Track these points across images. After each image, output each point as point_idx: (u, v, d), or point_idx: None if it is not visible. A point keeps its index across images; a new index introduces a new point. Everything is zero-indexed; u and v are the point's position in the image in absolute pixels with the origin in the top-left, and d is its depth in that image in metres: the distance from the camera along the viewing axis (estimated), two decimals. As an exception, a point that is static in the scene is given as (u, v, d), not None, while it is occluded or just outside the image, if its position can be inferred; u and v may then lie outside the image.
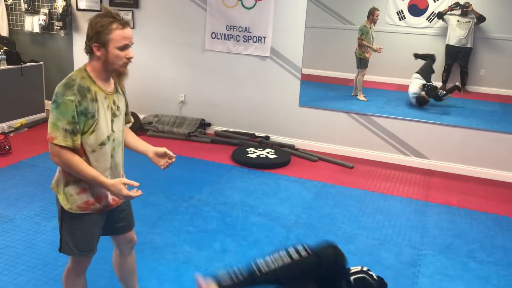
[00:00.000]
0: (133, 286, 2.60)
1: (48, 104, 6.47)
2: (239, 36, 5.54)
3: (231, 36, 5.58)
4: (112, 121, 2.10)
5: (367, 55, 5.66)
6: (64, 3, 6.13)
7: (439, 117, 5.42)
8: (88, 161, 2.02)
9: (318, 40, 5.74)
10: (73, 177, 2.03)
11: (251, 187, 4.37)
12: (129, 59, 2.01)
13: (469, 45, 5.53)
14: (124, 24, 1.97)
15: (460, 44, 5.56)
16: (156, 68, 6.09)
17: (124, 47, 1.98)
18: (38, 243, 3.25)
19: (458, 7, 5.41)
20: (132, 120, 2.39)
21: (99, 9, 6.09)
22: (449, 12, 5.48)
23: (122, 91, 2.21)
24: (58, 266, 2.99)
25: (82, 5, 6.19)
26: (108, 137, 2.07)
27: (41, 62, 6.22)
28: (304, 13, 5.26)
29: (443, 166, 5.11)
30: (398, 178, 4.86)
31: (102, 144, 2.05)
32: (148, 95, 6.20)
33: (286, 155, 5.16)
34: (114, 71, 2.05)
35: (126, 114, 2.29)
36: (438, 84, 5.76)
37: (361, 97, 5.68)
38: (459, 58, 5.61)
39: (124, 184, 2.03)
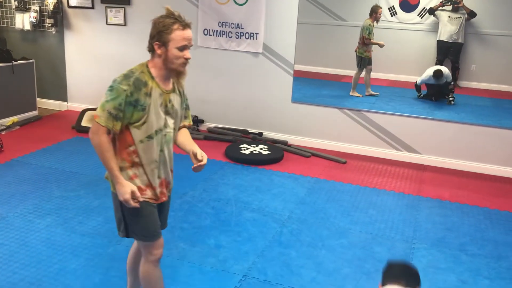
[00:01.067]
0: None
1: (40, 102, 6.45)
2: (231, 33, 5.54)
3: (223, 33, 5.58)
4: (165, 118, 2.15)
5: (369, 54, 5.66)
6: (55, 0, 6.10)
7: (431, 112, 5.46)
8: (136, 151, 2.10)
9: (310, 36, 5.76)
10: (125, 164, 2.12)
11: (245, 183, 4.39)
12: (187, 59, 2.09)
13: (460, 41, 5.57)
14: (185, 25, 2.06)
15: (451, 39, 5.60)
16: (149, 65, 6.06)
17: (183, 48, 2.06)
18: (32, 241, 3.24)
19: (449, 3, 5.45)
20: (190, 123, 2.44)
21: (90, 6, 6.08)
22: (440, 8, 5.52)
23: (180, 92, 2.27)
24: (53, 263, 2.99)
25: (73, 2, 6.16)
26: (157, 132, 2.12)
27: (33, 60, 6.18)
28: (296, 9, 5.26)
29: (435, 160, 5.15)
30: (391, 173, 4.89)
31: (150, 137, 2.11)
32: (141, 92, 6.17)
33: (279, 151, 5.18)
34: (173, 70, 2.12)
35: (186, 117, 2.38)
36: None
37: (368, 92, 5.72)
38: (451, 53, 5.65)
39: (133, 191, 2.08)
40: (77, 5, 6.15)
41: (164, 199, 2.29)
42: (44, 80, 6.55)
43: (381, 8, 5.56)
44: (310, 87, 6.00)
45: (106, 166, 2.08)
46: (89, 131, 2.07)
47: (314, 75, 6.12)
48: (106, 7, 6.01)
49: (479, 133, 4.98)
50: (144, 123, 2.07)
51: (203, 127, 5.93)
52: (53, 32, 6.31)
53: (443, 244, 3.50)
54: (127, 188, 2.07)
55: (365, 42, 5.63)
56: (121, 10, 5.96)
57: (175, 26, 2.03)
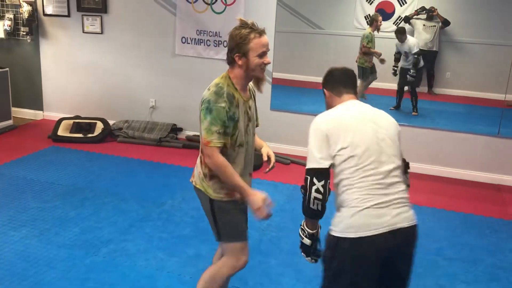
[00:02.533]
0: None
1: (15, 111, 6.33)
2: (210, 41, 5.54)
3: (201, 41, 5.58)
4: (247, 125, 2.26)
5: (370, 64, 5.70)
6: (30, 8, 6.01)
7: (407, 119, 5.53)
8: (227, 158, 2.17)
9: (288, 45, 5.79)
10: (212, 172, 2.20)
11: (224, 192, 4.37)
12: (266, 64, 2.17)
13: (435, 49, 5.67)
14: (261, 32, 2.14)
15: (426, 47, 5.69)
16: (126, 73, 6.03)
17: (263, 54, 2.14)
18: (6, 254, 3.17)
19: (424, 12, 5.54)
20: (258, 124, 2.53)
21: (66, 14, 6.01)
22: (415, 16, 5.61)
23: (254, 97, 2.37)
24: (27, 276, 2.93)
25: (49, 11, 6.09)
26: (245, 139, 2.25)
27: (7, 69, 6.07)
28: (274, 18, 5.30)
29: (411, 166, 5.19)
30: (369, 179, 4.93)
31: (240, 145, 2.22)
32: (118, 101, 6.13)
33: (258, 159, 5.15)
34: (254, 77, 2.20)
35: (256, 118, 2.47)
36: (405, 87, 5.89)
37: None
38: (426, 61, 5.75)
39: (264, 199, 2.14)
40: (53, 13, 6.08)
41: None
42: (19, 89, 6.44)
43: (380, 16, 5.61)
44: (289, 94, 6.03)
45: (231, 182, 2.15)
46: (205, 156, 2.16)
47: (293, 83, 6.15)
48: (82, 15, 5.96)
49: (454, 139, 5.07)
50: (234, 133, 2.17)
51: (182, 135, 5.90)
52: (28, 41, 6.22)
53: (420, 249, 3.51)
54: (258, 196, 2.13)
55: (363, 50, 5.67)
56: (98, 19, 5.91)
57: (252, 35, 2.11)
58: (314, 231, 2.06)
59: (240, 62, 2.14)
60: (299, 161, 5.24)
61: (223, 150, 2.16)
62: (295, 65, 6.12)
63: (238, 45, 2.11)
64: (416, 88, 5.68)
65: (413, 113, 5.60)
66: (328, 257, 1.95)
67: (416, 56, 5.51)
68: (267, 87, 5.48)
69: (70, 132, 5.68)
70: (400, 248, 1.91)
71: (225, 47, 5.49)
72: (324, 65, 6.36)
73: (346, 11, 5.80)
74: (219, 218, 2.27)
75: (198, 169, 2.30)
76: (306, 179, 1.94)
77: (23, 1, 6.03)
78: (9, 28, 6.14)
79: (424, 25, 5.61)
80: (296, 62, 6.11)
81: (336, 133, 1.92)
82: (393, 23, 5.73)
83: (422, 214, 4.13)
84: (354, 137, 1.92)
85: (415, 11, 5.59)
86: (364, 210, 1.85)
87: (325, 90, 2.18)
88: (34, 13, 6.09)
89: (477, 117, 5.72)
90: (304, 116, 5.44)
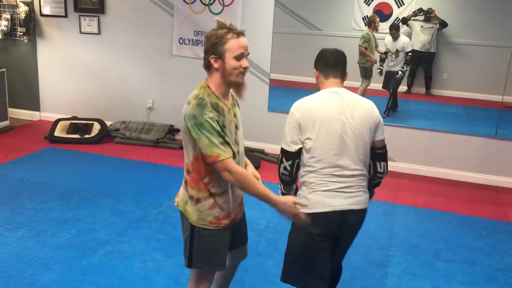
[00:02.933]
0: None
1: (11, 111, 6.31)
2: (207, 42, 5.52)
3: (199, 42, 5.57)
4: (236, 133, 2.11)
5: (370, 64, 5.70)
6: (27, 8, 5.99)
7: (404, 120, 5.54)
8: (217, 178, 2.03)
9: (286, 46, 5.79)
10: (203, 194, 2.06)
11: (221, 193, 4.36)
12: (245, 68, 2.01)
13: (432, 50, 5.68)
14: (239, 33, 1.99)
15: (424, 49, 5.70)
16: (123, 74, 6.02)
17: (240, 57, 1.98)
18: (2, 255, 3.15)
19: (422, 13, 5.55)
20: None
21: (64, 14, 5.99)
22: (413, 18, 5.62)
23: (238, 104, 2.21)
24: (23, 278, 2.91)
25: (46, 11, 6.07)
26: (235, 149, 2.06)
27: (4, 69, 6.05)
28: (272, 19, 5.30)
29: (409, 168, 5.22)
30: (366, 180, 4.93)
31: (233, 157, 2.03)
32: (115, 102, 6.11)
33: (256, 160, 5.17)
34: (232, 83, 2.03)
35: None
36: (404, 88, 5.88)
37: None
38: (423, 62, 5.76)
39: (295, 203, 2.04)
40: (50, 14, 6.06)
41: (239, 216, 2.25)
42: (16, 89, 6.41)
43: (377, 17, 5.62)
44: (287, 95, 6.02)
45: (256, 193, 2.00)
46: (222, 173, 1.96)
47: (291, 84, 6.15)
48: (79, 15, 5.94)
49: (452, 140, 5.07)
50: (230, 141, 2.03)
51: (179, 137, 5.89)
52: (25, 41, 6.20)
53: (418, 250, 3.54)
54: (289, 203, 2.02)
55: (359, 50, 5.68)
56: (95, 19, 5.89)
57: (229, 36, 1.96)
58: (286, 192, 2.31)
59: (216, 65, 1.98)
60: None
61: (207, 170, 2.01)
62: (293, 66, 6.12)
63: (214, 46, 1.97)
64: (396, 90, 5.66)
65: (384, 114, 5.58)
66: (291, 228, 2.31)
67: (410, 54, 5.51)
68: (264, 88, 5.48)
69: (67, 133, 5.66)
70: (348, 226, 2.24)
71: (222, 48, 5.47)
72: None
73: (344, 12, 5.80)
74: (196, 246, 2.11)
75: (183, 191, 2.14)
76: (279, 155, 2.23)
77: (20, 1, 6.01)
78: (6, 28, 6.12)
79: (421, 26, 5.62)
80: (294, 63, 6.10)
81: (306, 123, 2.14)
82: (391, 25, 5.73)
83: (420, 216, 4.13)
84: (321, 130, 2.13)
85: (413, 12, 5.60)
86: (320, 192, 2.16)
87: (315, 70, 2.32)
88: (31, 14, 6.06)
89: (475, 118, 5.73)
90: (301, 117, 5.42)
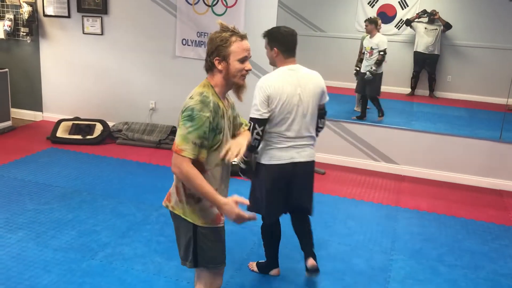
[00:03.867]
0: None
1: (14, 112, 6.31)
2: (210, 43, 5.51)
3: (202, 43, 5.55)
4: (228, 134, 2.14)
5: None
6: (30, 8, 5.99)
7: (408, 122, 5.51)
8: (213, 174, 2.05)
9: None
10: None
11: (223, 195, 4.34)
12: (247, 71, 2.05)
13: (436, 52, 5.65)
14: (243, 36, 2.04)
15: (427, 51, 5.67)
16: (126, 75, 6.01)
17: (244, 59, 2.03)
18: (2, 257, 3.13)
19: (426, 15, 5.53)
20: (246, 124, 2.46)
21: (67, 15, 5.99)
22: (416, 20, 5.59)
23: (233, 105, 2.24)
24: (23, 280, 2.90)
25: (49, 11, 6.06)
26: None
27: (6, 69, 6.05)
28: (275, 20, 5.27)
29: (412, 171, 5.19)
30: (369, 183, 4.90)
31: (217, 165, 2.06)
32: (118, 102, 6.10)
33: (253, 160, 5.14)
34: (234, 84, 2.07)
35: (241, 123, 2.35)
36: (407, 90, 5.85)
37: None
38: (427, 64, 5.73)
39: (237, 202, 1.98)
40: (53, 14, 6.06)
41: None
42: (18, 90, 6.42)
43: (380, 19, 5.58)
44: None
45: (201, 192, 1.96)
46: (172, 165, 1.96)
47: (285, 100, 6.12)
48: (82, 16, 5.94)
49: (455, 143, 5.04)
50: (220, 145, 2.03)
51: (182, 138, 5.87)
52: (28, 41, 6.20)
53: (421, 255, 3.51)
54: (231, 204, 1.95)
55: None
56: (98, 20, 5.88)
57: (233, 38, 2.00)
58: (248, 159, 2.86)
59: (219, 67, 2.01)
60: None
61: (200, 164, 1.99)
62: (296, 68, 6.10)
63: (218, 48, 2.00)
64: (376, 95, 5.60)
65: (379, 117, 5.54)
66: (255, 176, 2.92)
67: (383, 53, 5.41)
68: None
69: (69, 134, 5.65)
70: (299, 175, 2.86)
71: (225, 49, 5.46)
72: (325, 68, 6.36)
73: (348, 13, 5.78)
74: (200, 245, 2.10)
75: (176, 194, 2.10)
76: (250, 124, 2.65)
77: (23, 2, 6.01)
78: (9, 28, 6.12)
79: (425, 28, 5.59)
80: (297, 65, 6.09)
81: (273, 97, 2.68)
82: (395, 26, 5.71)
83: (423, 219, 4.10)
84: (283, 102, 2.70)
85: (417, 14, 5.57)
86: (276, 148, 2.78)
87: (275, 47, 2.76)
88: (34, 14, 6.06)
89: (479, 121, 5.70)
90: (304, 119, 5.40)
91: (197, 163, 1.99)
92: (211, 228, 2.10)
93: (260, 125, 2.69)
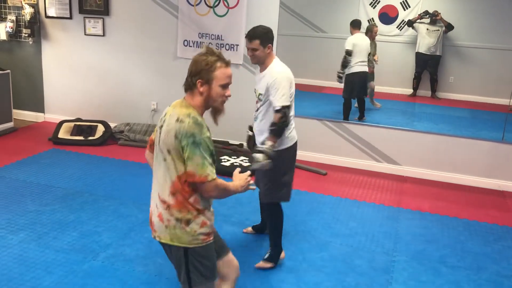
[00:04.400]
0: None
1: (16, 113, 6.31)
2: (212, 44, 5.51)
3: (203, 44, 5.55)
4: None
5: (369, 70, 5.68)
6: (32, 10, 6.00)
7: (410, 123, 5.49)
8: (200, 194, 2.08)
9: (291, 48, 5.76)
10: (192, 214, 2.07)
11: (225, 196, 4.33)
12: (227, 97, 2.11)
13: (438, 53, 5.64)
14: (227, 63, 2.09)
15: (429, 52, 5.66)
16: (128, 76, 6.01)
17: (226, 85, 2.09)
18: (3, 258, 3.13)
19: (427, 16, 5.51)
20: None
21: (68, 16, 5.99)
22: (418, 21, 5.58)
23: None
24: (25, 281, 2.89)
25: (51, 13, 6.07)
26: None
27: (8, 71, 6.06)
28: (277, 21, 5.27)
29: (414, 172, 5.17)
30: (371, 184, 4.89)
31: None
32: (119, 104, 6.11)
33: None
34: (213, 108, 2.12)
35: None
36: (409, 91, 5.84)
37: (375, 105, 5.84)
38: (429, 65, 5.71)
39: (246, 178, 2.23)
40: (55, 15, 6.07)
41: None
42: (20, 91, 6.42)
43: (376, 26, 5.58)
44: (291, 98, 5.99)
45: (232, 191, 2.14)
46: (206, 193, 2.04)
47: (295, 87, 6.12)
48: (84, 17, 5.94)
49: (457, 144, 5.02)
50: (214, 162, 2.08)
51: (183, 139, 5.86)
52: (30, 42, 6.20)
53: (423, 256, 3.50)
54: (243, 181, 2.18)
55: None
56: (100, 21, 5.89)
57: (219, 64, 2.05)
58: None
59: (201, 89, 2.05)
60: (300, 165, 5.19)
61: (186, 189, 2.03)
62: (298, 69, 6.06)
63: (202, 71, 2.04)
64: (348, 99, 5.59)
65: (357, 118, 5.55)
66: (283, 163, 3.12)
67: (345, 54, 5.40)
68: (269, 91, 5.44)
69: (71, 135, 5.65)
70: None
71: (227, 50, 5.46)
72: (327, 68, 6.36)
73: (349, 14, 5.76)
74: (193, 266, 2.11)
75: (165, 217, 2.07)
76: (283, 112, 2.95)
77: (25, 3, 6.02)
78: (11, 30, 6.13)
79: (427, 29, 5.58)
80: (299, 66, 6.07)
81: (292, 83, 3.06)
82: (397, 27, 5.70)
83: (425, 221, 4.09)
84: (294, 87, 3.09)
85: (419, 15, 5.56)
86: (292, 129, 3.14)
87: (269, 45, 3.04)
88: (36, 15, 6.07)
89: (481, 122, 5.68)
90: (305, 120, 5.39)
91: (184, 189, 2.03)
92: (202, 247, 2.11)
93: (289, 110, 2.99)
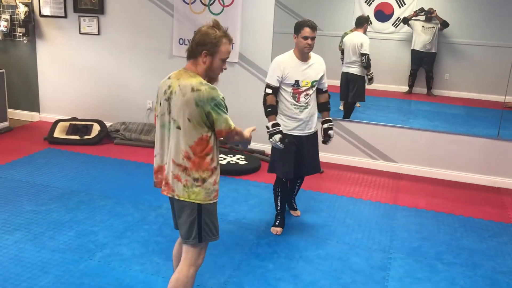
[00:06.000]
0: None
1: (11, 112, 6.29)
2: (207, 42, 5.50)
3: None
4: None
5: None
6: (26, 9, 5.97)
7: (406, 121, 5.50)
8: (213, 153, 2.30)
9: (286, 46, 5.73)
10: (207, 173, 2.27)
11: (221, 194, 4.33)
12: (224, 69, 2.32)
13: (433, 50, 5.65)
14: (231, 40, 2.29)
15: (425, 49, 5.67)
16: (123, 74, 5.99)
17: (225, 60, 2.28)
18: (-1, 258, 3.13)
19: (423, 13, 5.52)
20: None
21: (63, 15, 5.97)
22: (414, 18, 5.59)
23: None
24: (21, 281, 2.88)
25: (45, 11, 6.04)
26: None
27: (3, 70, 6.02)
28: (272, 19, 5.27)
29: (410, 169, 5.19)
30: (367, 182, 4.90)
31: None
32: (115, 102, 6.09)
33: (256, 161, 5.14)
34: (210, 77, 2.30)
35: None
36: (405, 88, 5.85)
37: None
38: (424, 62, 5.72)
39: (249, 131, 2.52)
40: (50, 14, 6.04)
41: None
42: (15, 90, 6.39)
43: (369, 20, 5.59)
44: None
45: (246, 137, 2.43)
46: (230, 139, 2.33)
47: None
48: (79, 16, 5.92)
49: (453, 141, 5.04)
50: None
51: (179, 137, 5.85)
52: (25, 41, 6.18)
53: (419, 253, 3.51)
54: (247, 130, 2.49)
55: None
56: (95, 20, 5.87)
57: (224, 40, 2.23)
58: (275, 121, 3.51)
59: (204, 59, 2.23)
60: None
61: (204, 147, 2.25)
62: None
63: (209, 44, 2.20)
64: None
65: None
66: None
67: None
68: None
69: (67, 134, 5.63)
70: None
71: (222, 48, 5.44)
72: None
73: (345, 12, 5.77)
74: (204, 221, 2.31)
75: (182, 178, 2.26)
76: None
77: (19, 2, 5.99)
78: (5, 29, 6.10)
79: (423, 26, 5.59)
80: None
81: None
82: (392, 24, 5.70)
83: (421, 218, 4.10)
84: None
85: (414, 12, 5.56)
86: None
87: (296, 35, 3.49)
88: (30, 14, 6.04)
89: (477, 119, 5.70)
90: (302, 118, 5.39)
91: (202, 147, 2.24)
92: (213, 203, 2.33)
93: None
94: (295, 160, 3.57)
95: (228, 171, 4.82)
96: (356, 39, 5.40)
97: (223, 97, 2.24)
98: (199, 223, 2.30)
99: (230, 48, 2.30)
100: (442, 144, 5.07)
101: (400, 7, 5.62)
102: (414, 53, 5.71)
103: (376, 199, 4.47)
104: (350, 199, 4.42)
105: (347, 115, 5.53)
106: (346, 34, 5.59)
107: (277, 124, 3.49)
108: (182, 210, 2.31)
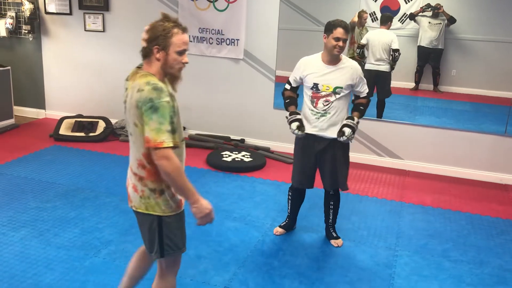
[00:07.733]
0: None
1: (17, 109, 6.30)
2: (212, 39, 5.48)
3: (203, 39, 5.52)
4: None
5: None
6: (31, 6, 5.98)
7: (412, 117, 5.47)
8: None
9: (292, 42, 5.73)
10: (165, 184, 2.07)
11: (226, 191, 4.32)
12: (184, 63, 2.08)
13: (440, 46, 5.60)
14: (184, 29, 2.06)
15: (431, 45, 5.62)
16: (128, 71, 5.95)
17: (182, 52, 2.05)
18: (5, 255, 3.13)
19: (429, 9, 5.47)
20: None
21: (68, 12, 5.97)
22: (420, 14, 5.54)
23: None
24: (26, 278, 2.89)
25: (51, 9, 6.05)
26: (183, 134, 2.17)
27: (9, 67, 6.04)
28: (277, 15, 5.24)
29: (417, 166, 5.15)
30: (373, 179, 4.87)
31: (183, 140, 2.14)
32: (120, 99, 6.04)
33: (261, 158, 5.13)
34: (170, 75, 2.10)
35: None
36: (411, 84, 5.81)
37: None
38: (431, 59, 5.68)
39: (211, 210, 2.09)
40: (55, 11, 6.04)
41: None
42: (21, 87, 6.41)
43: (366, 13, 5.56)
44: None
45: (184, 188, 2.00)
46: (157, 159, 1.93)
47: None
48: (84, 13, 5.92)
49: (460, 138, 5.00)
50: (177, 128, 2.03)
51: (184, 134, 5.85)
52: (30, 39, 6.18)
53: (426, 250, 3.48)
54: (207, 202, 2.07)
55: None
56: (100, 16, 5.87)
57: (175, 30, 2.02)
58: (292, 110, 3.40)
59: (157, 56, 2.03)
60: (303, 160, 5.17)
61: (175, 150, 1.99)
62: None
63: (159, 37, 2.01)
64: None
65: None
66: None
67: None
68: (270, 86, 5.42)
69: (72, 131, 5.64)
70: None
71: (228, 44, 5.44)
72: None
73: (351, 8, 5.73)
74: (166, 235, 2.14)
75: (139, 188, 2.10)
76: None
77: (24, -1, 6.00)
78: (11, 26, 6.11)
79: (429, 22, 5.54)
80: (299, 60, 6.05)
81: None
82: (398, 20, 5.66)
83: (428, 215, 4.07)
84: None
85: (421, 8, 5.52)
86: None
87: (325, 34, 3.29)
88: (36, 11, 6.05)
89: (484, 115, 5.65)
90: (307, 114, 5.37)
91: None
92: (175, 215, 2.15)
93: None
94: (313, 172, 3.41)
95: (233, 168, 4.81)
96: (385, 37, 5.40)
97: (166, 102, 1.93)
98: (159, 237, 2.13)
99: (186, 38, 2.05)
100: (449, 140, 5.03)
101: (406, 3, 5.58)
102: (421, 49, 5.67)
103: (382, 196, 4.44)
104: (355, 196, 4.39)
105: (380, 113, 5.47)
106: (365, 30, 5.55)
107: (295, 113, 3.32)
108: (142, 223, 2.19)
